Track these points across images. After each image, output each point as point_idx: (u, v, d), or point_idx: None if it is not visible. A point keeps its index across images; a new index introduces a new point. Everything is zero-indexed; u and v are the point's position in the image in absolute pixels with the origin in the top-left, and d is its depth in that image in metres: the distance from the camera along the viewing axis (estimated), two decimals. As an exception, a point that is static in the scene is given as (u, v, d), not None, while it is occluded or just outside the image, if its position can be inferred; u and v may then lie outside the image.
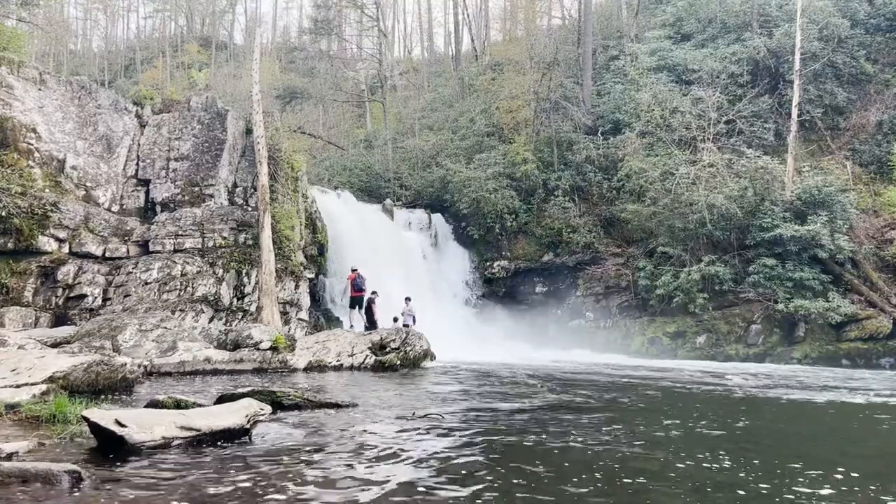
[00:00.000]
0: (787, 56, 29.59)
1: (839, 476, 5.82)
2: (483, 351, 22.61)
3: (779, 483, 5.52)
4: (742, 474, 5.79)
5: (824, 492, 5.29)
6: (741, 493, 5.21)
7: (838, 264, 24.30)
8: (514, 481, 5.40)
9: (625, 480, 5.52)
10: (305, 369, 15.04)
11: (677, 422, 8.73)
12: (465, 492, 5.06)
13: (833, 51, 29.76)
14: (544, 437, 7.33)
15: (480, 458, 6.20)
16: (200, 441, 6.25)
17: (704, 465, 6.14)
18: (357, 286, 20.94)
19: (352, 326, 20.76)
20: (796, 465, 6.21)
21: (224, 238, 20.48)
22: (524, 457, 6.31)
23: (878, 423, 9.50)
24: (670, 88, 29.88)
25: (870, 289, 23.92)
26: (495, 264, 30.77)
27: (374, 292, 21.12)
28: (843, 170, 27.54)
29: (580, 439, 7.21)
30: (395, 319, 20.88)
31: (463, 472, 5.69)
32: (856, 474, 5.92)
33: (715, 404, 10.91)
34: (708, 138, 27.50)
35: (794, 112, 27.21)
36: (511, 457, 6.32)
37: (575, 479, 5.48)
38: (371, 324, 20.35)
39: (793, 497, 5.12)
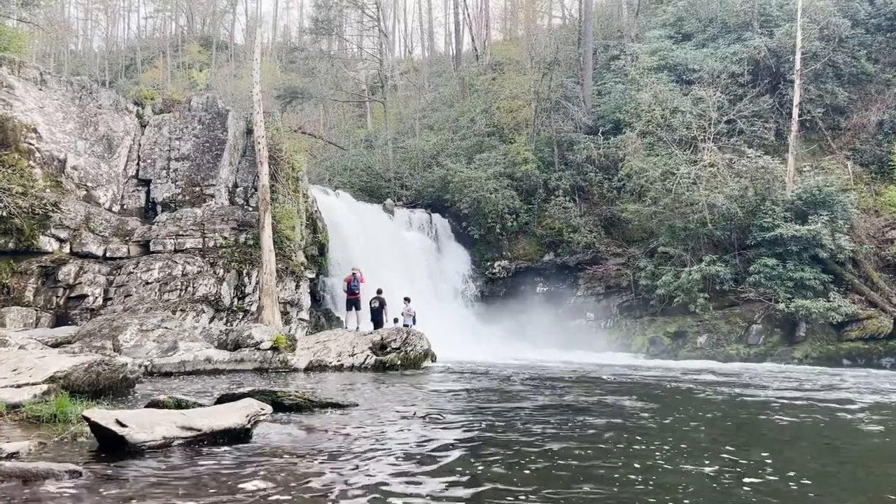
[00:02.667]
0: (787, 56, 29.57)
1: None
2: (484, 351, 22.60)
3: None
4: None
5: None
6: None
7: (839, 264, 24.28)
8: (516, 482, 5.40)
9: (633, 486, 5.51)
10: (306, 369, 15.04)
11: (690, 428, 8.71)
12: (467, 492, 5.06)
13: (834, 50, 29.74)
14: (545, 436, 7.33)
15: (481, 458, 6.20)
16: (201, 441, 6.25)
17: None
18: (351, 289, 20.85)
19: (346, 327, 20.71)
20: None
21: (225, 238, 20.48)
22: (525, 457, 6.31)
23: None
24: (671, 88, 29.87)
25: (870, 289, 23.89)
26: (496, 264, 30.76)
27: (379, 290, 20.99)
28: (843, 169, 27.52)
29: (581, 439, 7.21)
30: (396, 320, 20.84)
31: (463, 471, 5.69)
32: None
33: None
34: (708, 138, 27.49)
35: (795, 112, 27.19)
36: (512, 457, 6.31)
37: (576, 480, 5.48)
38: (377, 325, 20.21)
39: None
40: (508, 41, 49.50)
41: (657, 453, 6.57)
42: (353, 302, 20.94)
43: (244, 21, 72.91)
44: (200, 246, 20.03)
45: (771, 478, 5.69)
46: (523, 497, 4.92)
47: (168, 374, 12.95)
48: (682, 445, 7.01)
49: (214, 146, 21.71)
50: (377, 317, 20.41)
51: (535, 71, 35.50)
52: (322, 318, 23.89)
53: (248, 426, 6.68)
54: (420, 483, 5.26)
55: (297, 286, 22.15)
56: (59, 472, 4.76)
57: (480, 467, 5.86)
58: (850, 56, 30.10)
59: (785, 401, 11.24)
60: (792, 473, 5.85)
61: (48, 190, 18.09)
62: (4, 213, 16.54)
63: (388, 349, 16.65)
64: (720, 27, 33.88)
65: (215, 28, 69.49)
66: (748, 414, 9.84)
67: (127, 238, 19.53)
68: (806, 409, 10.31)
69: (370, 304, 20.66)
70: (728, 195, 24.82)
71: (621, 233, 30.03)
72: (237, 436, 6.55)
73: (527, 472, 5.74)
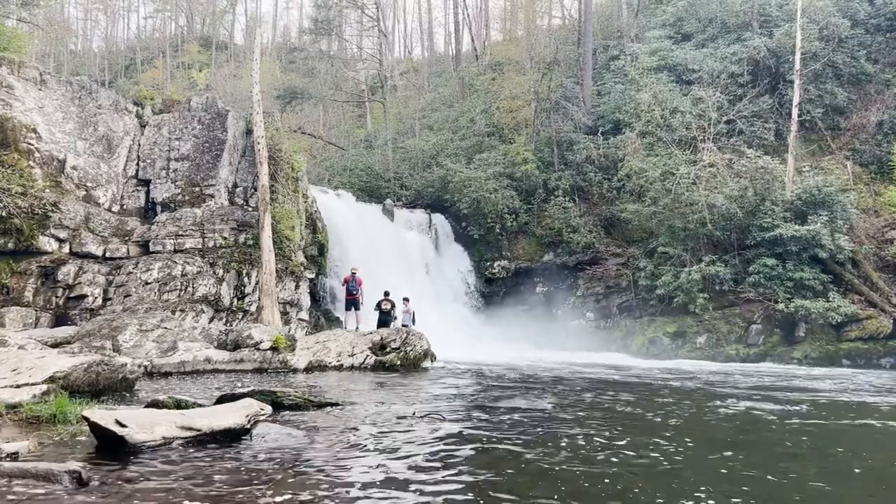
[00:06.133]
0: (787, 56, 29.58)
1: None
2: (483, 351, 22.59)
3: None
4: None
5: None
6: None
7: (838, 264, 24.29)
8: (517, 482, 5.40)
9: (630, 484, 5.51)
10: (306, 369, 15.04)
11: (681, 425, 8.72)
12: (467, 492, 5.06)
13: (833, 51, 29.75)
14: (545, 436, 7.33)
15: (481, 458, 6.20)
16: (201, 441, 6.25)
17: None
18: (349, 290, 20.90)
19: (345, 328, 20.70)
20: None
21: (224, 238, 20.48)
22: (526, 457, 6.31)
23: None
24: (670, 88, 29.87)
25: (870, 289, 23.90)
26: (495, 264, 30.77)
27: (386, 293, 20.93)
28: (843, 170, 27.53)
29: (579, 439, 7.21)
30: (395, 318, 20.83)
31: (464, 472, 5.69)
32: None
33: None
34: (708, 138, 27.49)
35: (795, 112, 27.19)
36: (512, 457, 6.32)
37: (576, 479, 5.48)
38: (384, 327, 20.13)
39: None
40: (508, 41, 49.50)
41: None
42: (351, 302, 20.96)
43: (244, 21, 72.96)
44: (200, 246, 20.03)
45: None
46: (523, 499, 4.92)
47: (168, 375, 12.94)
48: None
49: (214, 146, 21.71)
50: (387, 319, 20.34)
51: (535, 71, 35.50)
52: (321, 319, 23.89)
53: (248, 426, 6.68)
54: (419, 483, 5.26)
55: (297, 286, 22.15)
56: (59, 473, 4.76)
57: (480, 468, 5.86)
58: (850, 56, 30.10)
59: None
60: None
61: (48, 190, 18.08)
62: (4, 213, 16.53)
63: (388, 349, 16.64)
64: (720, 27, 33.88)
65: (215, 28, 69.49)
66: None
67: (126, 238, 19.52)
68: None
69: (381, 305, 20.57)
70: (728, 195, 24.82)
71: (621, 233, 30.03)
72: (237, 436, 6.56)
73: (528, 474, 5.74)
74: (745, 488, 5.35)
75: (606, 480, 5.49)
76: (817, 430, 8.53)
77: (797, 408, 10.50)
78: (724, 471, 6.00)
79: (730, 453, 6.78)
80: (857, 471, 6.31)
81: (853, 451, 7.25)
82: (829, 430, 8.69)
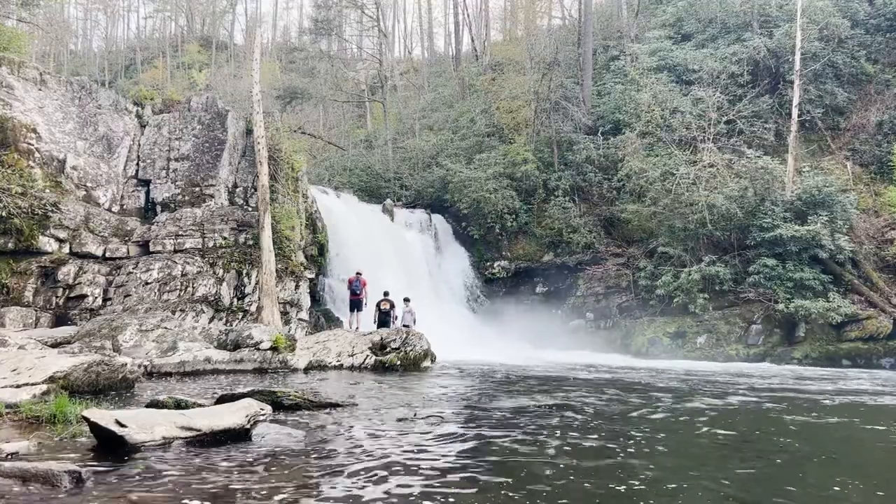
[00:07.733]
0: (787, 56, 29.58)
1: None
2: (483, 351, 22.56)
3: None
4: None
5: None
6: None
7: (838, 264, 24.29)
8: (515, 482, 5.40)
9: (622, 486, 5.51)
10: (306, 369, 15.04)
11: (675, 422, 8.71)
12: (466, 493, 5.06)
13: (833, 51, 29.75)
14: (544, 436, 7.33)
15: (480, 458, 6.20)
16: (201, 441, 6.26)
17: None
18: (352, 290, 21.05)
19: (348, 328, 20.73)
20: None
21: (224, 238, 20.48)
22: (525, 457, 6.31)
23: None
24: (670, 88, 29.86)
25: (870, 289, 23.91)
26: (495, 264, 30.77)
27: (385, 293, 20.95)
28: (843, 170, 27.54)
29: (578, 438, 7.21)
30: (395, 318, 20.83)
31: (463, 472, 5.69)
32: None
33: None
34: (708, 138, 27.49)
35: (795, 112, 27.19)
36: (511, 457, 6.32)
37: (575, 480, 5.48)
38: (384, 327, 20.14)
39: None
40: (508, 41, 49.47)
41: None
42: (354, 303, 21.07)
43: (244, 21, 72.91)
44: (200, 246, 20.03)
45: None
46: (527, 498, 4.92)
47: (167, 375, 12.94)
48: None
49: (214, 146, 21.71)
50: (386, 319, 20.34)
51: (535, 71, 35.50)
52: (322, 319, 23.88)
53: (248, 426, 6.68)
54: (419, 484, 5.26)
55: (297, 286, 22.15)
56: (59, 473, 4.76)
57: (480, 470, 5.86)
58: (850, 56, 30.11)
59: None
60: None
61: (48, 190, 18.08)
62: (4, 213, 16.53)
63: (388, 349, 16.64)
64: (720, 28, 33.89)
65: (215, 28, 69.48)
66: None
67: (126, 238, 19.52)
68: None
69: (379, 305, 20.57)
70: (728, 195, 24.82)
71: (621, 233, 30.03)
72: (237, 436, 6.56)
73: (524, 474, 5.74)
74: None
75: (592, 481, 5.50)
76: (807, 429, 8.54)
77: (786, 406, 10.51)
78: (696, 468, 6.01)
79: (711, 454, 6.79)
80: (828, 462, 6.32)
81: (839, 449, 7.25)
82: (817, 427, 8.71)
